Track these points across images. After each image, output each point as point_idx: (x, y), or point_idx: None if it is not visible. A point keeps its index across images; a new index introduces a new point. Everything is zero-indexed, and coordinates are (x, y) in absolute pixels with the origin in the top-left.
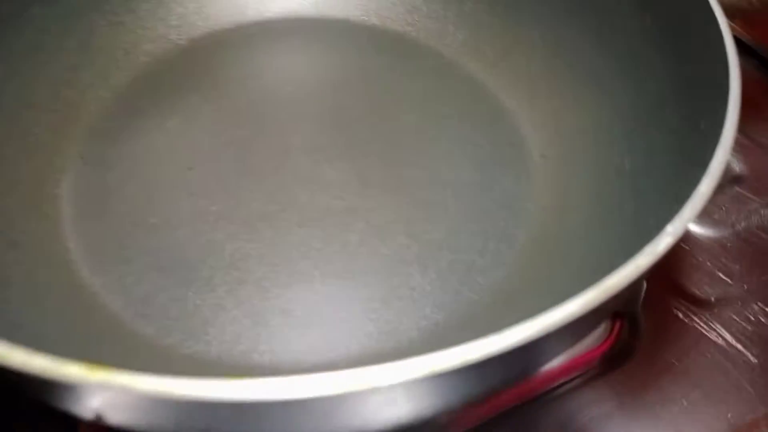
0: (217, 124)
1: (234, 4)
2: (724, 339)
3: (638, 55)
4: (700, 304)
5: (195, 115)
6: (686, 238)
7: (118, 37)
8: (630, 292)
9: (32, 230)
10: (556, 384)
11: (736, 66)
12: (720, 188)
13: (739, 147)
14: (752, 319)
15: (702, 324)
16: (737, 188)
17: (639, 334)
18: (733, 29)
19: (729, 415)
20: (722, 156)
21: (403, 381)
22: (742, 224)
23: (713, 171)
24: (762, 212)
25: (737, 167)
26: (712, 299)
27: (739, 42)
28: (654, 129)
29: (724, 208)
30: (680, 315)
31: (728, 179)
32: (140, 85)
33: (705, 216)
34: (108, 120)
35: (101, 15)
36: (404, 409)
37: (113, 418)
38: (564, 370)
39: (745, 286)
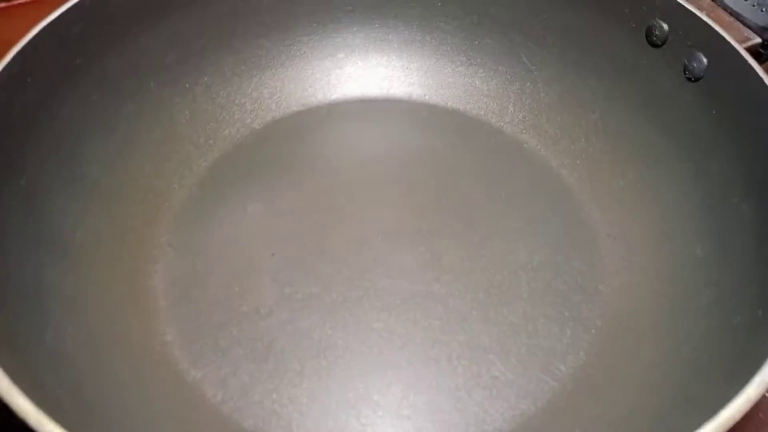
0: (295, 208)
1: (303, 88)
2: None
3: (702, 140)
4: None
5: (274, 199)
6: None
7: (200, 125)
8: None
9: (133, 324)
10: None
11: None
12: None
13: None
14: None
15: None
16: None
17: None
18: None
19: None
20: None
21: None
22: None
23: None
24: None
25: None
26: None
27: None
28: (724, 215)
29: None
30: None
31: None
32: (221, 170)
33: None
34: (193, 207)
35: (185, 104)
36: None
37: None
38: None
39: None
